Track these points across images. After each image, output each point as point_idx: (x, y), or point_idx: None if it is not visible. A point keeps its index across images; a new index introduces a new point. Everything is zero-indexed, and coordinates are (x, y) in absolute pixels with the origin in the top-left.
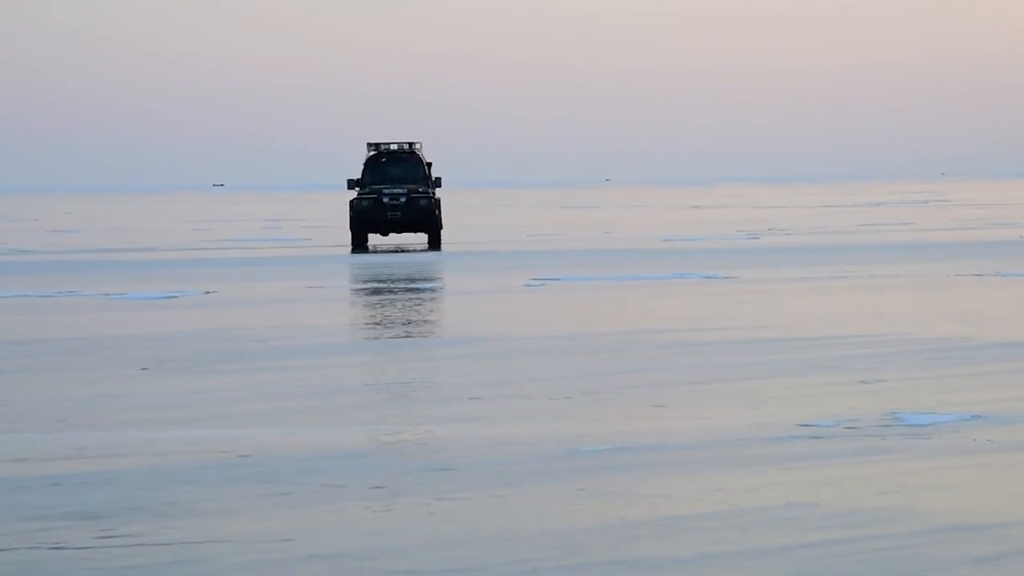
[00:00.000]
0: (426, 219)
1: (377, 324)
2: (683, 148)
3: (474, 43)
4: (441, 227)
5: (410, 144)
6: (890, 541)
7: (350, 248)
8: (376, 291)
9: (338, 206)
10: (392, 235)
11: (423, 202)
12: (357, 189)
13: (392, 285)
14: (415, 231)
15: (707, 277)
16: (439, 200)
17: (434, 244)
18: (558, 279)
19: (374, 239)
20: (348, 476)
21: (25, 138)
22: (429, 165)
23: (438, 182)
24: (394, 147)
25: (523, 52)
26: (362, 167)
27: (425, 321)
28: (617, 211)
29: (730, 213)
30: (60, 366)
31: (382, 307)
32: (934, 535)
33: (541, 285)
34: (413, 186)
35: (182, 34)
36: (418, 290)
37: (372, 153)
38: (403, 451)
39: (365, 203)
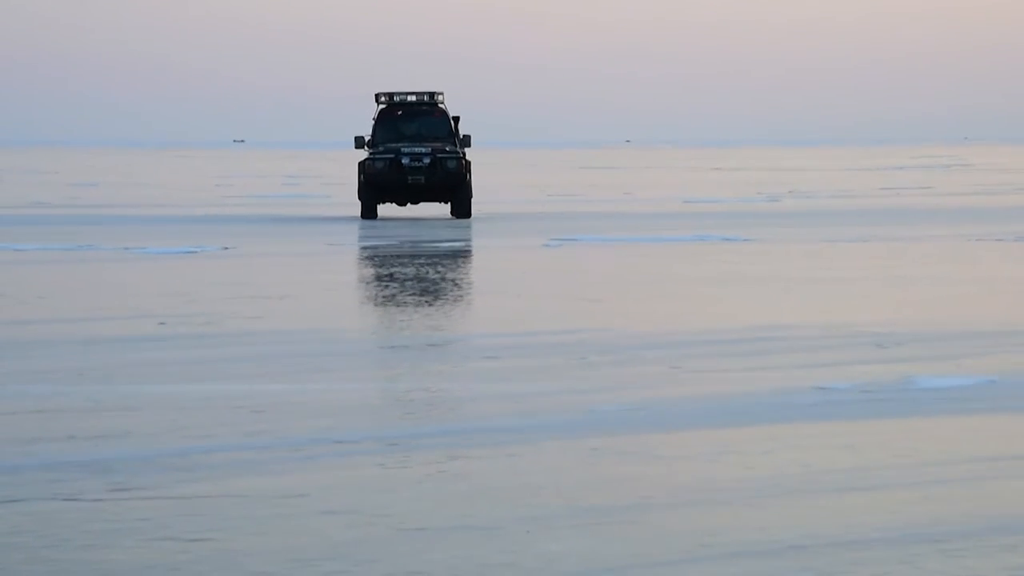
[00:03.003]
0: (455, 185)
1: (393, 282)
2: (705, 109)
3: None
4: (471, 195)
5: (431, 95)
6: (905, 504)
7: (360, 216)
8: (393, 249)
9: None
10: (410, 205)
11: (451, 164)
12: (367, 148)
13: (409, 243)
14: (440, 200)
15: (726, 239)
16: (469, 163)
17: (461, 212)
18: (577, 239)
19: (385, 210)
20: (362, 433)
21: (46, 92)
22: (456, 120)
23: (467, 141)
24: (412, 98)
25: (543, 10)
26: (373, 122)
27: (442, 279)
28: (638, 172)
29: (751, 175)
30: (78, 319)
31: (399, 265)
32: (950, 500)
33: (560, 245)
34: (438, 144)
35: None
36: (435, 247)
37: (384, 105)
38: (417, 409)
39: (379, 164)
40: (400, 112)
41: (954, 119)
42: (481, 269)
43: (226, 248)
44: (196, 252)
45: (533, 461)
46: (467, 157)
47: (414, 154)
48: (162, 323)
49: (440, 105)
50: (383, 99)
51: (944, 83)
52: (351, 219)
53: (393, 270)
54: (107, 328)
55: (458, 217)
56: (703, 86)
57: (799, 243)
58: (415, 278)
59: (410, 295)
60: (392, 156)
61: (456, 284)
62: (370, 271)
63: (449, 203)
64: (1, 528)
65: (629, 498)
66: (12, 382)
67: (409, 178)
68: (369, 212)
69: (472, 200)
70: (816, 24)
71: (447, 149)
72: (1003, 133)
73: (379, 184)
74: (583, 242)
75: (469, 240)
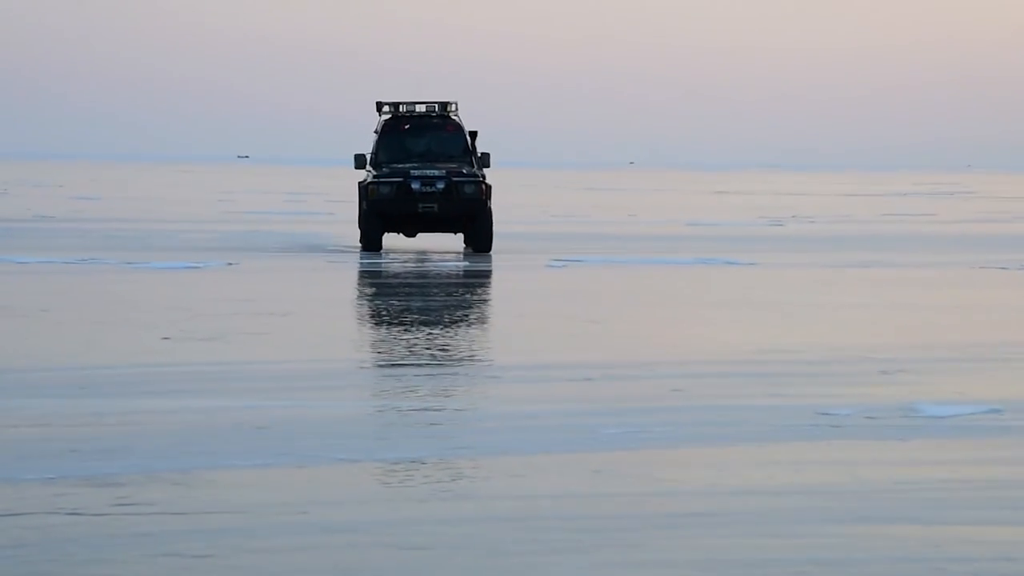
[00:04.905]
0: (473, 214)
1: (395, 300)
2: (709, 133)
3: (498, 20)
4: (491, 225)
5: (443, 105)
6: (906, 531)
7: (361, 248)
8: (395, 267)
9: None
10: (420, 234)
11: (469, 189)
12: (369, 170)
13: (411, 262)
14: (456, 230)
15: (729, 263)
16: (489, 187)
17: (480, 245)
18: (580, 261)
19: (390, 240)
20: (365, 450)
21: (51, 105)
22: (472, 135)
23: (485, 160)
24: (421, 108)
25: (546, 31)
26: (375, 137)
27: (444, 299)
28: (641, 194)
29: (754, 199)
30: (81, 333)
31: (401, 284)
32: (950, 525)
33: (563, 266)
34: (453, 166)
35: (210, 2)
36: (437, 267)
37: (387, 117)
38: (420, 428)
39: (385, 189)
40: (407, 126)
41: (957, 146)
42: (483, 289)
43: (230, 264)
44: (199, 267)
45: (535, 482)
46: (487, 180)
47: (425, 177)
48: (166, 338)
49: (453, 117)
50: (387, 109)
51: (947, 110)
52: (353, 237)
53: (395, 288)
54: (110, 342)
55: (476, 251)
56: (707, 109)
57: (802, 268)
58: (417, 297)
59: (412, 314)
60: (400, 180)
61: (458, 304)
62: (372, 289)
63: (463, 234)
64: (3, 542)
65: (631, 520)
66: (14, 396)
67: (420, 206)
68: (372, 244)
69: (493, 231)
70: (820, 50)
71: (464, 171)
72: (1006, 161)
73: (385, 213)
74: (586, 263)
75: (471, 260)
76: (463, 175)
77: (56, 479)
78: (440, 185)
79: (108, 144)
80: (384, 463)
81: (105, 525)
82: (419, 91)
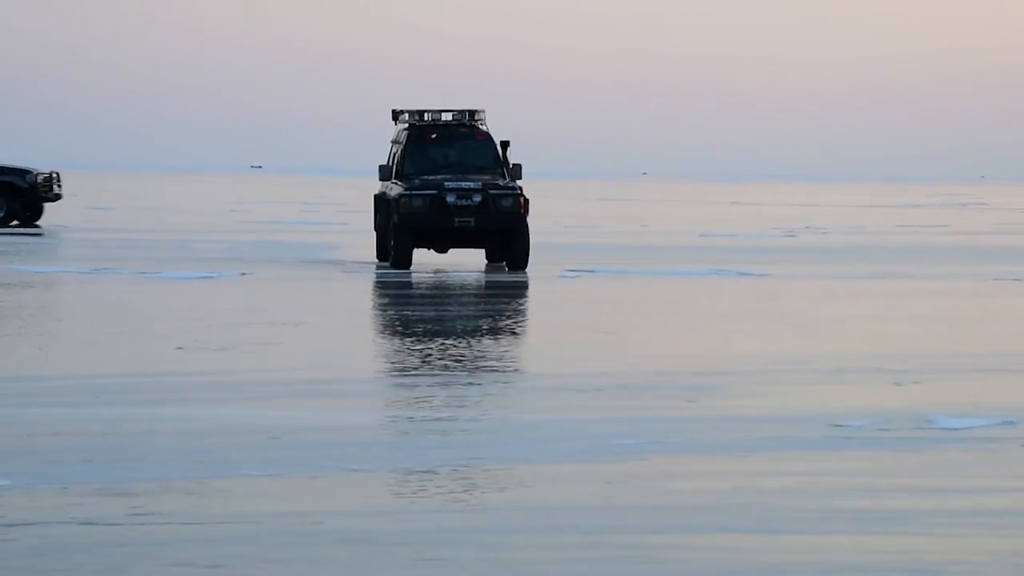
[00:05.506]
0: (510, 228)
1: (408, 310)
2: (721, 143)
3: (504, 29)
4: (529, 242)
5: (471, 113)
6: (919, 543)
7: (381, 265)
8: (408, 277)
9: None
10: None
11: (507, 203)
12: (394, 182)
13: (425, 272)
14: (491, 246)
15: (742, 274)
16: (527, 201)
17: (517, 263)
18: (593, 271)
19: (420, 256)
20: (379, 461)
21: (64, 116)
22: (504, 145)
23: (517, 171)
24: (447, 116)
25: (558, 40)
26: (398, 147)
27: (457, 309)
28: (654, 205)
29: (767, 210)
30: (95, 343)
31: (414, 294)
32: (963, 537)
33: (576, 277)
34: (487, 178)
35: (223, 11)
36: (451, 277)
37: (404, 127)
38: (434, 438)
39: (418, 203)
40: (434, 135)
41: (971, 158)
42: (497, 300)
43: (243, 274)
44: (213, 277)
45: (549, 492)
46: (524, 194)
47: (461, 190)
48: (179, 348)
49: (482, 127)
50: (408, 118)
51: (961, 121)
52: (368, 243)
53: (408, 299)
54: (124, 352)
55: (512, 269)
56: (719, 120)
57: (815, 279)
58: (430, 307)
59: (425, 324)
60: (434, 192)
61: (472, 314)
62: (385, 299)
63: (497, 250)
64: (18, 551)
65: (644, 530)
66: (29, 404)
67: (456, 220)
68: (401, 261)
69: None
70: (832, 60)
71: (500, 184)
72: (1020, 173)
73: (418, 228)
74: (599, 274)
75: (484, 270)
76: (500, 187)
77: (70, 488)
78: (477, 198)
79: (121, 154)
80: (398, 473)
81: (118, 534)
82: (426, 101)
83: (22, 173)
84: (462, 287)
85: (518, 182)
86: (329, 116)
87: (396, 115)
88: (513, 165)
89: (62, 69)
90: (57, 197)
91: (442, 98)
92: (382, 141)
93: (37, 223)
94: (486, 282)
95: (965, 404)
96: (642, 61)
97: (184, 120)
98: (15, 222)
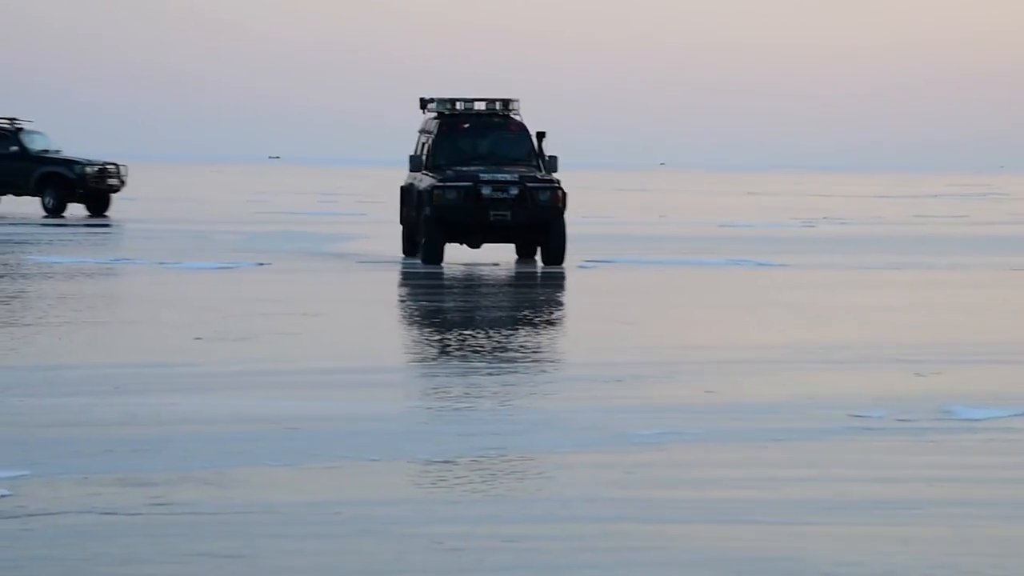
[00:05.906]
0: (547, 223)
1: (427, 300)
2: (739, 133)
3: (520, 20)
4: (565, 237)
5: (505, 103)
6: (940, 533)
7: (421, 260)
8: (426, 268)
9: (395, 182)
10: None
11: (544, 196)
12: (425, 172)
13: (443, 262)
14: (527, 241)
15: (760, 264)
16: (566, 195)
17: (553, 258)
18: (612, 261)
19: (449, 251)
20: (398, 450)
21: (82, 106)
22: (540, 136)
23: (553, 164)
24: (480, 106)
25: (574, 29)
26: (428, 137)
27: (476, 299)
28: (672, 195)
29: (785, 200)
30: (115, 333)
31: (432, 284)
32: (983, 529)
33: (595, 267)
34: (523, 170)
35: (243, 1)
36: (469, 267)
37: (434, 115)
38: (452, 428)
39: (452, 195)
40: (467, 124)
41: (989, 148)
42: (515, 290)
43: (261, 264)
44: (232, 268)
45: (568, 482)
46: (562, 187)
47: (497, 182)
48: (198, 338)
49: (516, 117)
50: (438, 106)
51: (981, 110)
52: (386, 235)
53: (426, 289)
54: (143, 342)
55: (548, 264)
56: (737, 110)
57: (834, 269)
58: (448, 297)
59: (443, 314)
60: (469, 184)
61: (490, 305)
62: (404, 290)
63: (521, 244)
64: (38, 541)
65: (662, 521)
66: (49, 395)
67: (492, 213)
68: (433, 256)
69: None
70: (850, 49)
71: (537, 176)
72: None
73: (452, 221)
74: (618, 264)
75: (503, 260)
76: (537, 180)
77: (90, 478)
78: (513, 191)
79: (139, 145)
80: (417, 463)
81: (138, 525)
82: (441, 91)
83: (70, 164)
84: (478, 278)
85: (554, 175)
86: (346, 106)
87: (424, 103)
88: (549, 157)
89: (79, 60)
90: (114, 189)
91: (452, 87)
92: (397, 131)
93: (105, 214)
94: (503, 273)
95: (985, 394)
96: (659, 51)
97: (202, 111)
98: (65, 214)
